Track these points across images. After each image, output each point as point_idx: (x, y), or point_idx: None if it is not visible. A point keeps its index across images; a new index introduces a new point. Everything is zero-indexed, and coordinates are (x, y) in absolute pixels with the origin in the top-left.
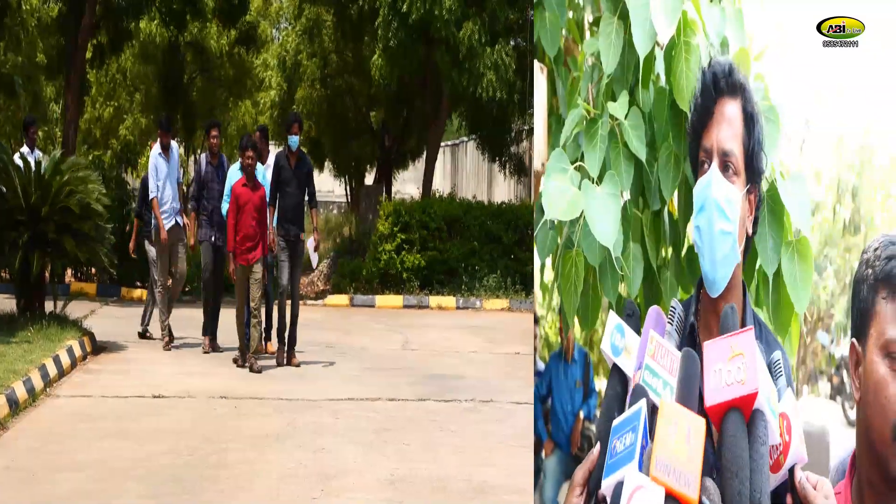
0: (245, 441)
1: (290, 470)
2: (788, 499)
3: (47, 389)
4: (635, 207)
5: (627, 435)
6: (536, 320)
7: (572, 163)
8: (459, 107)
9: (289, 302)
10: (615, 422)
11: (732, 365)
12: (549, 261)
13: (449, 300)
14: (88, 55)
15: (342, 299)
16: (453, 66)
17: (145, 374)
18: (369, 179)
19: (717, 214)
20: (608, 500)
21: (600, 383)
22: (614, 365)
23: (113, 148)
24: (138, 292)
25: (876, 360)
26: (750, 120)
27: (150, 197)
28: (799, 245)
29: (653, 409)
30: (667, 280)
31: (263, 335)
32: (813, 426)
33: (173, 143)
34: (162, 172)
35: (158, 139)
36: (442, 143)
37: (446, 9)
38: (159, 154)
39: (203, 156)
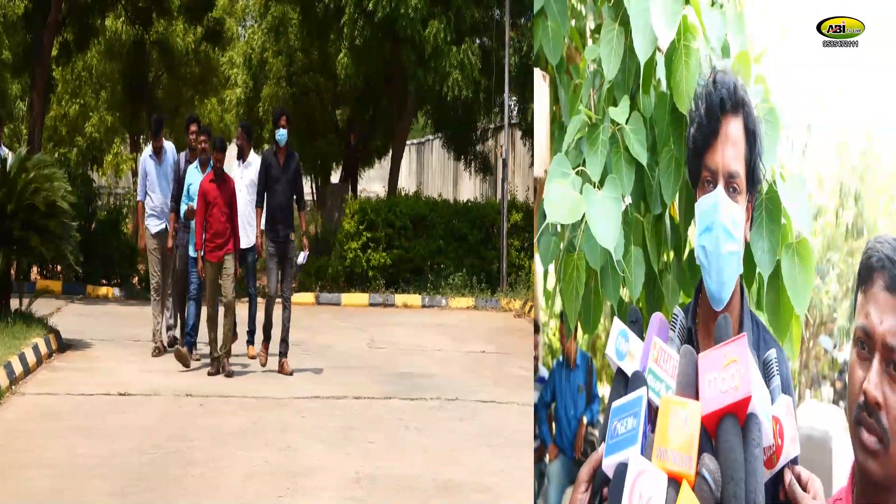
0: (211, 439)
1: (256, 468)
2: (781, 493)
3: (13, 387)
4: (637, 211)
5: (629, 419)
6: (538, 328)
7: (574, 168)
8: (425, 105)
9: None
10: (615, 403)
11: (727, 373)
12: (552, 267)
13: (415, 298)
14: (54, 52)
15: (308, 297)
16: (419, 64)
17: (111, 371)
18: (335, 178)
19: (724, 237)
20: (610, 478)
21: (603, 389)
22: (618, 369)
23: (79, 145)
24: (103, 290)
25: (852, 347)
26: (751, 136)
27: (137, 200)
28: (799, 247)
29: (654, 410)
30: (668, 283)
31: (233, 335)
32: (816, 431)
33: (167, 144)
34: (151, 175)
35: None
36: (408, 142)
37: (412, 7)
38: (150, 156)
39: (182, 154)
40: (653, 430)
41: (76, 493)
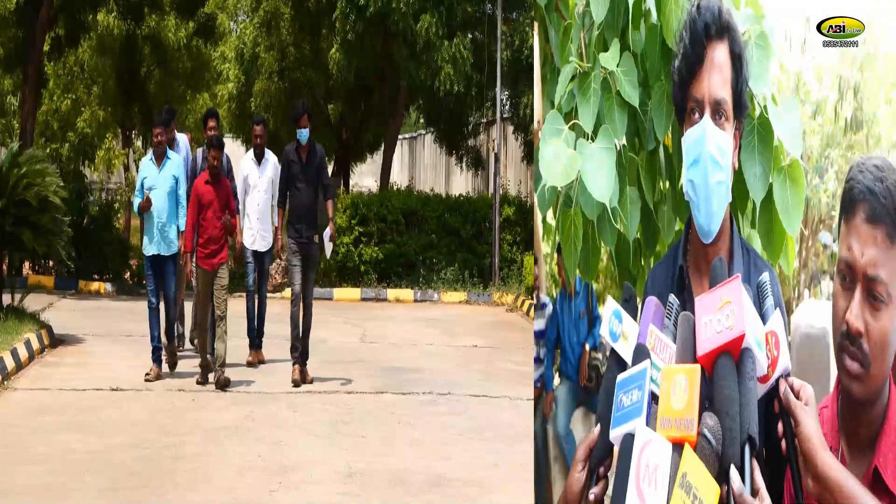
0: (203, 434)
1: (248, 462)
2: (776, 405)
3: (5, 382)
4: (631, 150)
5: (634, 391)
6: (536, 260)
7: (566, 121)
8: (417, 100)
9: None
10: (620, 377)
11: (721, 314)
12: (549, 212)
13: (407, 293)
14: (46, 48)
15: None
16: (411, 59)
17: (103, 367)
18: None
19: (712, 166)
20: (616, 448)
21: (603, 309)
22: (612, 350)
23: (70, 141)
24: (96, 285)
25: (835, 276)
26: (737, 61)
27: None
28: (790, 170)
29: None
30: (664, 215)
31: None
32: (814, 328)
33: (180, 137)
34: None
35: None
36: (400, 136)
37: (404, 2)
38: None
39: (200, 150)
40: (656, 402)
41: (68, 489)
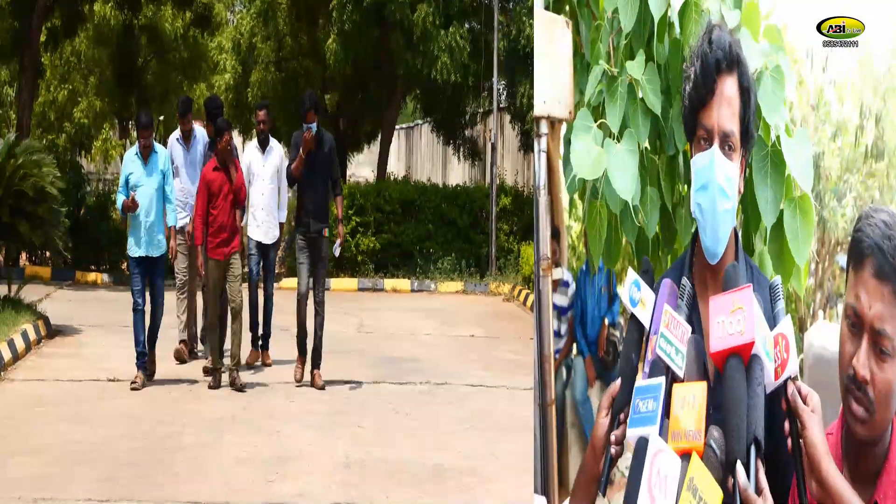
0: (200, 424)
1: (245, 453)
2: (783, 404)
3: (1, 374)
4: (653, 153)
5: (649, 401)
6: (556, 234)
7: (594, 117)
8: (414, 90)
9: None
10: (638, 384)
11: (734, 318)
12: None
13: (403, 283)
14: (43, 38)
15: (296, 282)
16: (407, 49)
17: (100, 357)
18: None
19: (720, 195)
20: (632, 448)
21: (622, 289)
22: (632, 315)
23: (67, 131)
24: (92, 276)
25: (843, 319)
26: (745, 93)
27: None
28: (801, 202)
29: (672, 380)
30: (682, 217)
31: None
32: (827, 351)
33: (198, 128)
34: (178, 161)
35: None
36: (397, 127)
37: None
38: (178, 140)
39: (197, 136)
40: (667, 416)
41: (65, 479)
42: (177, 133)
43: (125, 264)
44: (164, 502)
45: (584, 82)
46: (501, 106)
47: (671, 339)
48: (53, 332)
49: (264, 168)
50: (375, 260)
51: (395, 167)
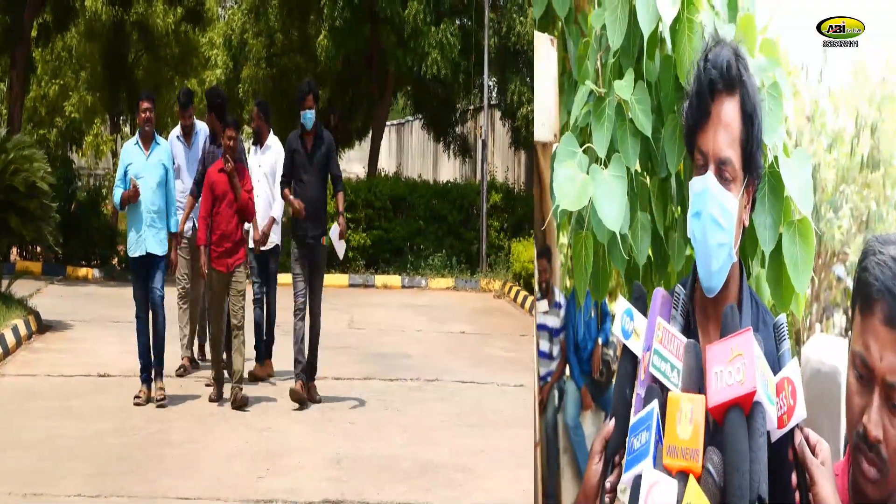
0: (191, 420)
1: (236, 449)
2: (790, 452)
3: None
4: (643, 175)
5: (643, 433)
6: (549, 253)
7: (580, 138)
8: (405, 86)
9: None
10: (632, 421)
11: (732, 366)
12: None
13: (394, 279)
14: (34, 33)
15: (287, 278)
16: (398, 45)
17: (91, 352)
18: None
19: (712, 227)
20: (628, 491)
21: (614, 306)
22: (624, 346)
23: (58, 126)
24: (83, 271)
25: (849, 367)
26: (748, 119)
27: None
28: (801, 225)
29: (664, 391)
30: (674, 242)
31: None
32: (825, 365)
33: (200, 124)
34: (180, 160)
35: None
36: (387, 123)
37: None
38: (178, 137)
39: (198, 133)
40: (663, 429)
41: (56, 475)
42: (176, 130)
43: (116, 259)
44: (155, 497)
45: (571, 102)
46: (492, 102)
47: (666, 355)
48: (44, 327)
49: (259, 168)
50: (366, 256)
51: (386, 163)
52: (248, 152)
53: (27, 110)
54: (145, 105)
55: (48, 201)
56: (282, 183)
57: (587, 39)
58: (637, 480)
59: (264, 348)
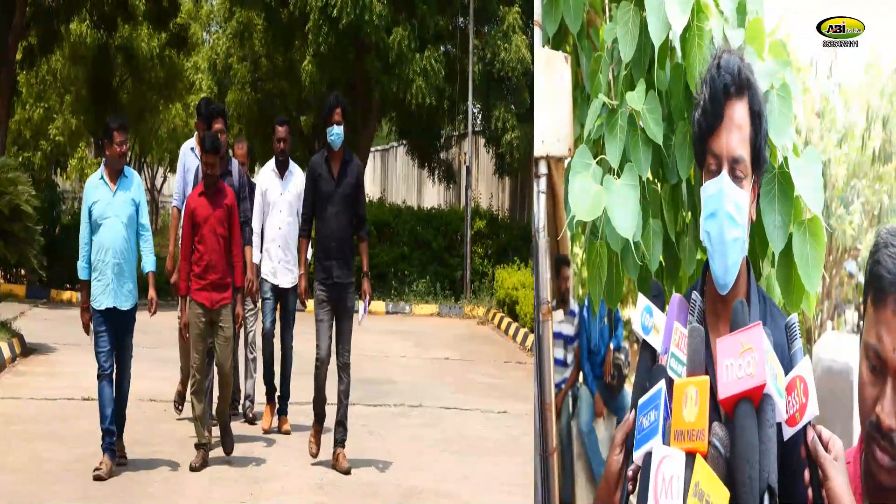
0: (175, 444)
1: (220, 473)
2: (802, 450)
3: None
4: (654, 183)
5: (651, 412)
6: (566, 262)
7: (593, 150)
8: (389, 112)
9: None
10: (640, 400)
11: (743, 359)
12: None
13: (378, 305)
14: (19, 56)
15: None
16: (383, 71)
17: (75, 376)
18: None
19: (728, 223)
20: (640, 467)
21: (625, 311)
22: (644, 342)
23: (43, 149)
24: (68, 294)
25: (861, 358)
26: (756, 117)
27: (172, 205)
28: (811, 225)
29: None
30: (685, 246)
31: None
32: (837, 363)
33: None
34: (192, 174)
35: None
36: (372, 149)
37: (376, 14)
38: (192, 149)
39: (185, 155)
40: (670, 413)
41: (40, 498)
42: (191, 142)
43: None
44: None
45: (584, 115)
46: (476, 129)
47: (682, 358)
48: (28, 350)
49: (282, 197)
50: None
51: (371, 189)
52: (271, 174)
53: (11, 133)
54: (121, 138)
55: (32, 224)
56: (302, 228)
57: (599, 53)
58: (647, 458)
59: (278, 402)
